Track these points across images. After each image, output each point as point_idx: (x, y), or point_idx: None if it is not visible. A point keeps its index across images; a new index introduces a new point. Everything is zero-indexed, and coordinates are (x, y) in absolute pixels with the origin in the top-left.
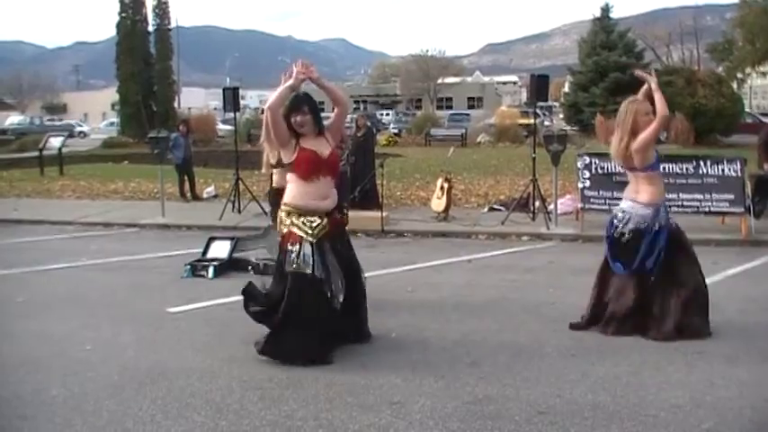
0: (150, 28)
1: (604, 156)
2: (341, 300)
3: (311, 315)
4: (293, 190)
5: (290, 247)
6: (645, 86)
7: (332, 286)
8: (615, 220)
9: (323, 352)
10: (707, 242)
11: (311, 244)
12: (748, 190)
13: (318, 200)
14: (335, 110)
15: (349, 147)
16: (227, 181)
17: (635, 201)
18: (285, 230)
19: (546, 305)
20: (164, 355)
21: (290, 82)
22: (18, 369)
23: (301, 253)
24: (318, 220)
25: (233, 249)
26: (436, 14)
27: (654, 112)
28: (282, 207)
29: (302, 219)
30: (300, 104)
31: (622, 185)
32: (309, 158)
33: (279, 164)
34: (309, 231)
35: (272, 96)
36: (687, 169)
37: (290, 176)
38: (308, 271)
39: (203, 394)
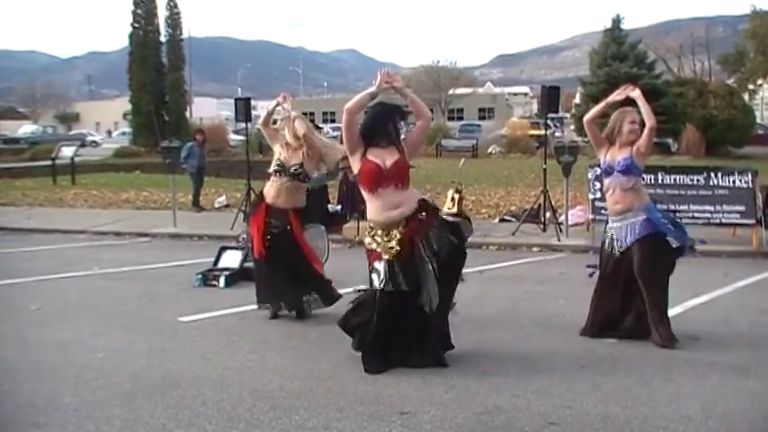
0: (163, 38)
1: None
2: (434, 306)
3: (399, 328)
4: (368, 205)
5: (375, 265)
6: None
7: (423, 296)
8: None
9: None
10: (718, 254)
11: (389, 261)
12: (759, 201)
13: (389, 210)
14: (418, 122)
15: None
16: (239, 191)
17: None
18: (368, 247)
19: (557, 316)
20: (175, 364)
21: (372, 89)
22: (31, 377)
23: (384, 270)
24: (396, 233)
25: (244, 259)
26: (447, 26)
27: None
28: (367, 224)
29: (381, 234)
30: (403, 113)
31: None
32: (371, 170)
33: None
34: (387, 248)
35: (351, 100)
36: (698, 181)
37: (362, 192)
38: (390, 288)
39: (215, 403)
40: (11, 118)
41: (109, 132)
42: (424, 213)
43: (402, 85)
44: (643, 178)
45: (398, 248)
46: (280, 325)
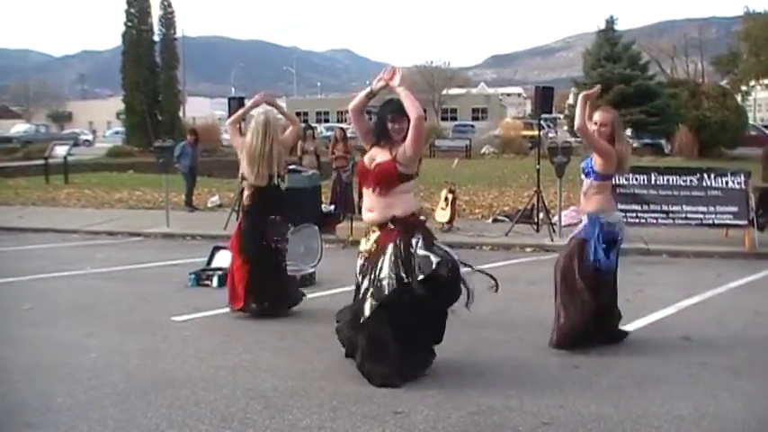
0: (156, 38)
1: None
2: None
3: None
4: None
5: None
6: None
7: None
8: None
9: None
10: (710, 254)
11: (363, 259)
12: (752, 203)
13: (366, 212)
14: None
15: (354, 158)
16: (232, 191)
17: None
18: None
19: (550, 317)
20: (168, 364)
21: (368, 89)
22: (24, 376)
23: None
24: (371, 235)
25: None
26: (441, 26)
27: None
28: None
29: (366, 233)
30: (400, 113)
31: (626, 197)
32: (359, 169)
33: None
34: (364, 248)
35: (354, 99)
36: (691, 182)
37: None
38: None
39: (208, 403)
40: (4, 117)
41: (94, 132)
42: (392, 226)
43: (398, 82)
44: (614, 184)
45: (369, 251)
46: (273, 325)
